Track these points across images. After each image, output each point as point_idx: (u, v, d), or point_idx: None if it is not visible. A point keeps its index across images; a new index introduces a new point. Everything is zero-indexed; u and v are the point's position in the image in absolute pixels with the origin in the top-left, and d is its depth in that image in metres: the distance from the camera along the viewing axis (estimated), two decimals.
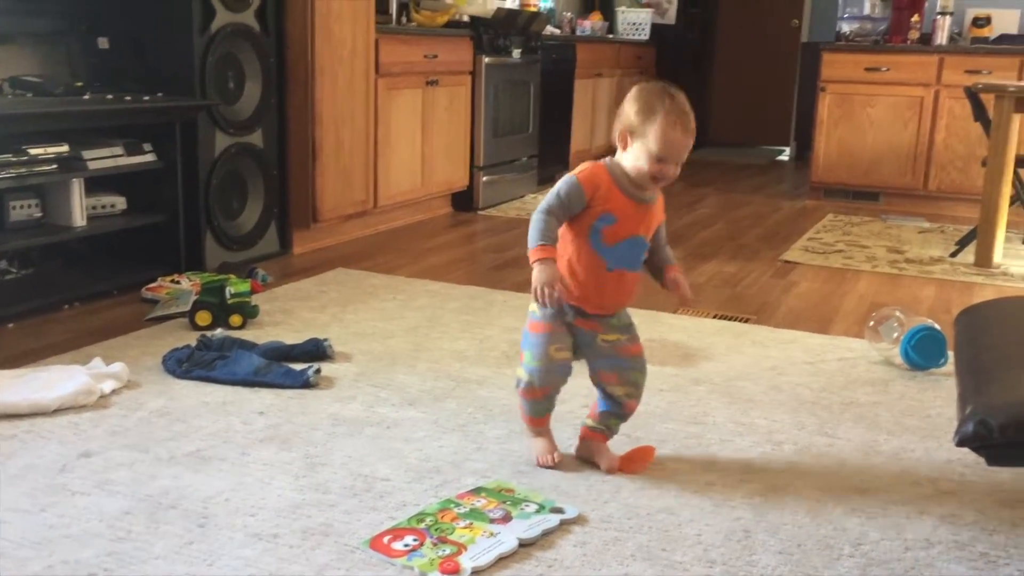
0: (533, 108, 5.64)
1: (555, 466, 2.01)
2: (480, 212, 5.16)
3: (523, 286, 3.56)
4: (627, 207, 1.90)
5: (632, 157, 1.89)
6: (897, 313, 2.84)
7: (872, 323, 2.87)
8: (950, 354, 2.65)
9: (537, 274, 1.85)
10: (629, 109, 1.90)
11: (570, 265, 1.93)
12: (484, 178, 5.20)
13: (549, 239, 1.87)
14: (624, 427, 2.24)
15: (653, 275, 2.05)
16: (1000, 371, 1.57)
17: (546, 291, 1.85)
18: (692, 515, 1.83)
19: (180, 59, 3.37)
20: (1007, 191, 4.13)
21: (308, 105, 3.89)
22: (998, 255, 4.18)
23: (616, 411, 2.03)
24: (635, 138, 1.88)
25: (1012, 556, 1.72)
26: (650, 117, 1.86)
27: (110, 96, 3.23)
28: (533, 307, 1.96)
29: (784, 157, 8.50)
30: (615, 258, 1.92)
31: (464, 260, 4.04)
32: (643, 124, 1.87)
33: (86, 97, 3.16)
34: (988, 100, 4.18)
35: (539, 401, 2.00)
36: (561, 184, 1.92)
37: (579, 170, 1.94)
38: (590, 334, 1.97)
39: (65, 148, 3.06)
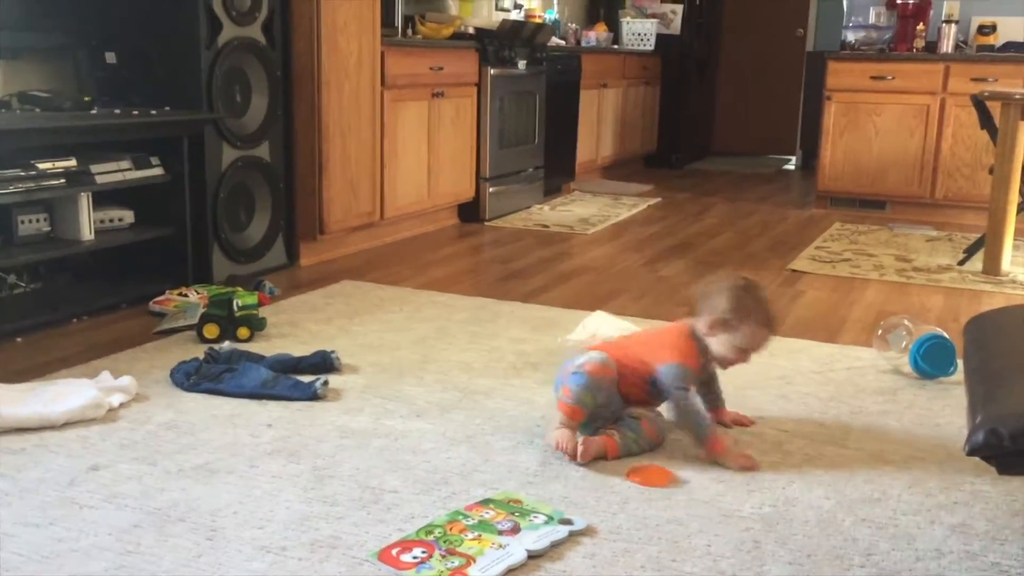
0: (539, 119, 5.64)
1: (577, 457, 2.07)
2: (487, 223, 5.16)
3: (530, 296, 3.57)
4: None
5: (720, 344, 2.15)
6: (905, 322, 2.83)
7: (880, 332, 2.86)
8: (959, 363, 2.64)
9: (729, 457, 2.09)
10: (722, 304, 2.13)
11: (634, 382, 2.18)
12: (490, 189, 5.21)
13: (707, 418, 2.15)
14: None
15: (705, 402, 2.28)
16: (1010, 379, 1.56)
17: (748, 463, 2.10)
18: (701, 526, 1.82)
19: (187, 73, 3.38)
20: (1015, 199, 4.12)
21: (314, 117, 3.90)
22: (1006, 263, 4.17)
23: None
24: (727, 331, 2.13)
25: None
26: (745, 320, 2.12)
27: (118, 111, 3.24)
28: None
29: (790, 166, 8.50)
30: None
31: (471, 271, 4.04)
32: (738, 323, 2.12)
33: (94, 112, 3.18)
34: (994, 108, 4.17)
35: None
36: (679, 377, 2.12)
37: (686, 357, 2.15)
38: None
39: (73, 163, 3.07)
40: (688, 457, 2.14)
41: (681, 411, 2.12)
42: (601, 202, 6.01)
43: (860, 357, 2.90)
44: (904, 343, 2.76)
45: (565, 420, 2.13)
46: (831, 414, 2.44)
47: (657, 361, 2.15)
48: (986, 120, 4.26)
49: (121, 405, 2.33)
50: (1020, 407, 1.42)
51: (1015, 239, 4.32)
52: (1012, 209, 4.11)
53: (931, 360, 2.68)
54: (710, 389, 2.32)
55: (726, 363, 2.19)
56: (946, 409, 2.48)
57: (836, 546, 1.76)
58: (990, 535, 1.82)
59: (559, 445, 2.09)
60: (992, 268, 4.14)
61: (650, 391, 2.19)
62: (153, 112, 3.28)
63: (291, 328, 3.05)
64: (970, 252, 4.40)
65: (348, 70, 4.03)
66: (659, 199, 6.21)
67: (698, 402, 2.14)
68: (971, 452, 1.41)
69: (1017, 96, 4.05)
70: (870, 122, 5.71)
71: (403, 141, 4.48)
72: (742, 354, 2.16)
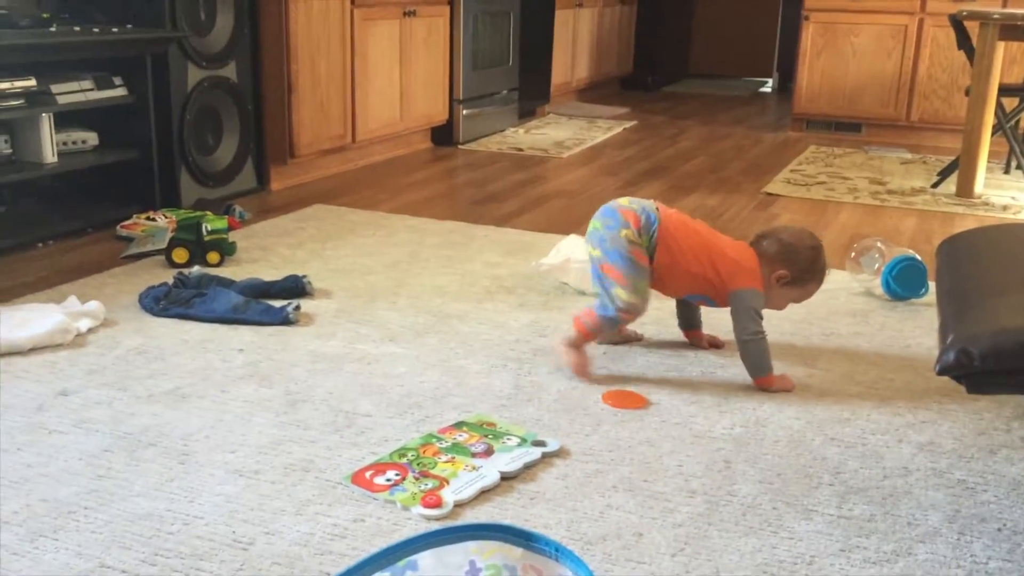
0: (513, 40, 5.54)
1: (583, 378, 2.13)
2: (460, 146, 5.10)
3: (504, 220, 3.54)
4: None
5: (780, 294, 2.19)
6: (878, 244, 2.84)
7: (853, 254, 2.87)
8: (931, 284, 2.66)
9: (780, 385, 2.13)
10: (801, 262, 2.17)
11: (688, 282, 2.18)
12: (464, 112, 5.13)
13: (770, 367, 2.13)
14: (609, 360, 2.25)
15: (682, 317, 2.38)
16: (981, 300, 1.57)
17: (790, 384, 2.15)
18: (673, 447, 1.84)
19: None
20: (990, 120, 4.10)
21: (282, 37, 3.80)
22: (979, 185, 4.18)
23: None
24: (794, 286, 2.17)
25: (989, 483, 1.74)
26: (812, 277, 2.19)
27: (77, 28, 3.14)
28: (627, 233, 2.11)
29: (767, 89, 8.44)
30: None
31: (445, 195, 4.00)
32: (805, 278, 2.18)
33: (53, 29, 3.07)
34: (972, 28, 4.13)
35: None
36: (756, 301, 2.14)
37: (762, 285, 2.16)
38: None
39: (32, 82, 2.98)
40: (660, 380, 2.15)
41: (755, 345, 2.11)
42: (576, 125, 5.95)
43: (833, 279, 2.90)
44: (877, 265, 2.77)
45: (578, 343, 2.16)
46: (803, 336, 2.45)
47: (735, 281, 2.13)
48: (963, 40, 4.22)
49: (89, 330, 2.31)
50: (991, 327, 1.42)
51: (989, 161, 4.32)
52: (987, 131, 4.11)
53: (903, 282, 2.69)
54: (692, 309, 2.32)
55: (777, 307, 2.23)
56: (917, 330, 2.50)
57: (805, 465, 1.78)
58: (956, 453, 1.85)
59: (583, 373, 2.13)
60: (965, 191, 4.15)
61: (701, 298, 2.22)
62: (114, 29, 3.17)
63: (262, 253, 3.02)
64: (944, 175, 4.40)
65: None
66: (634, 122, 6.15)
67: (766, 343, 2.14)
68: (942, 372, 1.41)
69: (995, 15, 4.00)
70: (847, 43, 5.65)
71: (374, 62, 4.39)
72: (790, 303, 2.23)
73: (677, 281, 2.17)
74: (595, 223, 2.16)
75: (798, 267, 2.16)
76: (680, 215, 2.20)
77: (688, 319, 2.35)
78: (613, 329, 2.22)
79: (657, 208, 2.15)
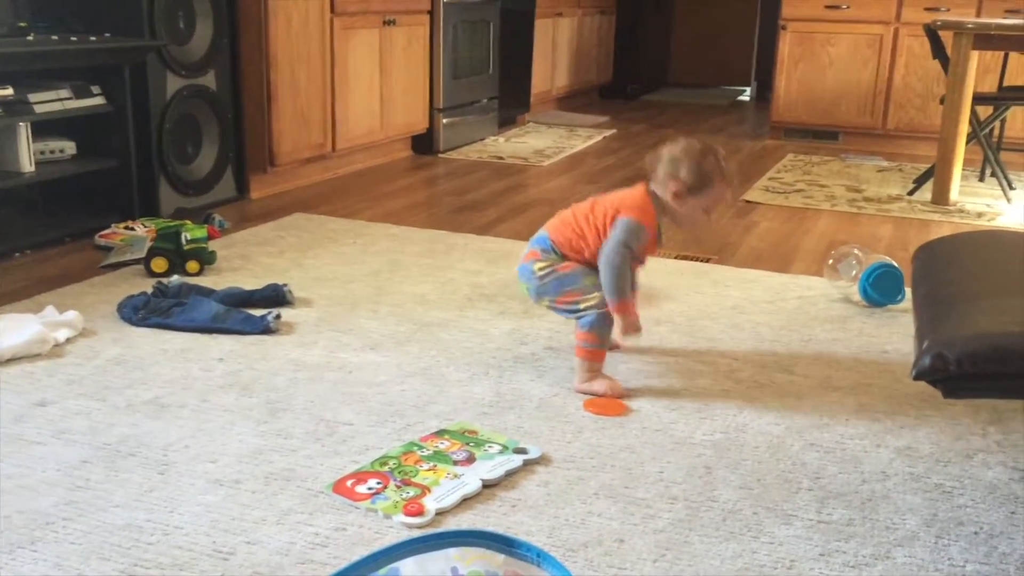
0: (493, 48, 5.55)
1: (624, 397, 2.09)
2: (441, 155, 5.10)
3: (484, 228, 3.54)
4: (654, 245, 2.19)
5: (688, 212, 2.14)
6: (855, 251, 2.86)
7: (831, 261, 2.89)
8: (907, 290, 2.68)
9: (625, 325, 2.12)
10: (682, 168, 2.10)
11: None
12: (444, 120, 5.14)
13: (627, 293, 2.11)
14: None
15: None
16: (957, 305, 1.58)
17: (632, 335, 2.16)
18: (654, 453, 1.85)
19: None
20: (964, 129, 4.15)
21: (262, 46, 3.80)
22: (954, 192, 4.22)
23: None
24: (692, 196, 2.11)
25: (966, 487, 1.76)
26: (710, 182, 2.10)
27: (55, 36, 3.12)
28: (542, 264, 2.17)
29: (745, 97, 8.49)
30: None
31: (425, 203, 4.00)
32: (702, 187, 2.10)
33: (30, 38, 3.06)
34: (947, 37, 4.18)
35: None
36: (630, 232, 2.10)
37: (642, 214, 2.12)
38: None
39: (10, 91, 2.96)
40: (641, 387, 2.16)
41: (615, 267, 2.07)
42: (556, 133, 5.96)
43: (811, 286, 2.94)
44: (854, 272, 2.79)
45: (593, 370, 2.13)
46: (782, 342, 2.47)
47: (618, 215, 2.12)
48: (938, 50, 4.27)
49: (67, 340, 2.29)
50: (966, 332, 1.44)
51: (964, 169, 4.37)
52: (961, 139, 4.15)
53: (880, 288, 2.72)
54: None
55: (695, 226, 2.19)
56: (894, 336, 2.53)
57: (785, 470, 1.80)
58: (934, 457, 1.86)
59: (608, 394, 2.10)
60: (941, 198, 4.20)
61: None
62: (92, 38, 3.16)
63: (242, 262, 3.01)
64: (920, 182, 4.45)
65: None
66: (614, 130, 6.17)
67: (625, 275, 2.09)
68: (918, 376, 1.43)
69: (969, 25, 4.05)
70: (824, 52, 5.70)
71: (354, 70, 4.39)
72: (707, 214, 2.16)
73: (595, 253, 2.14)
74: (522, 287, 2.23)
75: (688, 173, 2.09)
76: (568, 208, 2.24)
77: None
78: (609, 329, 2.15)
79: (543, 226, 2.22)
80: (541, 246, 2.18)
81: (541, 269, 2.15)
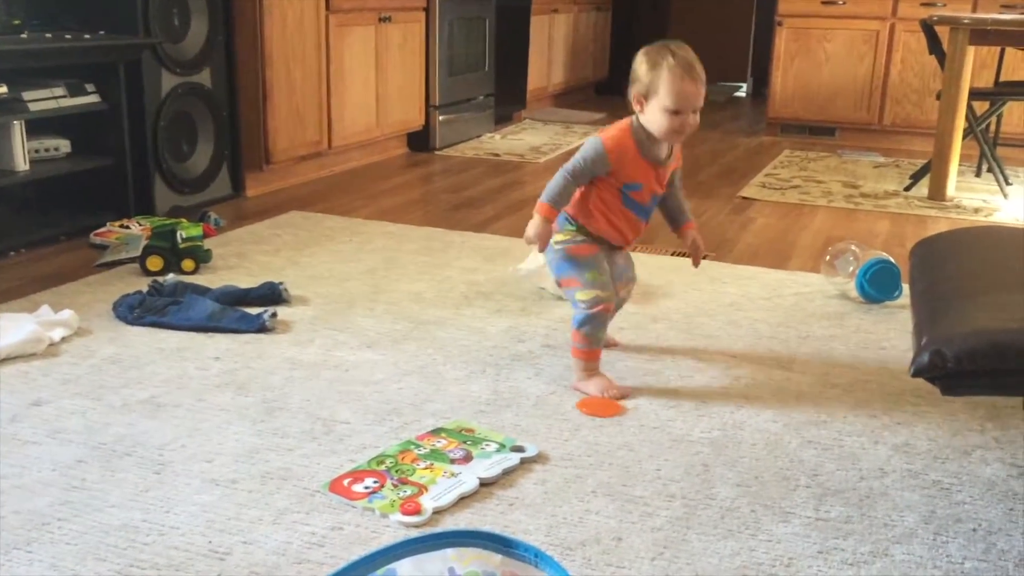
0: (489, 45, 5.54)
1: (623, 398, 2.07)
2: (437, 152, 5.09)
3: (481, 226, 3.54)
4: (649, 173, 2.08)
5: (651, 117, 2.01)
6: (853, 247, 2.86)
7: (828, 257, 2.89)
8: (905, 287, 2.68)
9: (534, 226, 2.04)
10: (638, 70, 2.01)
11: (605, 215, 2.10)
12: (440, 117, 5.13)
13: (559, 203, 2.06)
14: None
15: (667, 219, 2.25)
16: (954, 302, 1.58)
17: (536, 244, 2.06)
18: (652, 451, 1.84)
19: None
20: (960, 124, 4.15)
21: (257, 43, 3.79)
22: (951, 188, 4.22)
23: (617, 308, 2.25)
24: (649, 98, 2.00)
25: (964, 483, 1.75)
26: (658, 74, 1.98)
27: (49, 35, 3.11)
28: (560, 236, 2.11)
29: (741, 93, 8.49)
30: (644, 212, 2.14)
31: (421, 201, 4.00)
32: (653, 82, 1.98)
33: (24, 36, 3.05)
34: (943, 32, 4.18)
35: (608, 315, 2.13)
36: (588, 149, 2.05)
37: (607, 135, 2.06)
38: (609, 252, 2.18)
39: (4, 89, 2.94)
40: (638, 384, 2.15)
41: (559, 173, 2.06)
42: (552, 130, 5.96)
43: (808, 283, 2.93)
44: (851, 268, 2.79)
45: (587, 370, 2.11)
46: (779, 339, 2.46)
47: None
48: (934, 45, 4.26)
49: (63, 340, 2.28)
50: (964, 328, 1.44)
51: (960, 164, 4.37)
52: (958, 135, 4.15)
53: (877, 284, 2.71)
54: (671, 204, 2.21)
55: (669, 134, 2.02)
56: (891, 332, 2.53)
57: (783, 467, 1.79)
58: (931, 454, 1.86)
59: (599, 395, 2.07)
60: (937, 193, 4.20)
61: (623, 200, 2.09)
62: (87, 36, 3.15)
63: (238, 260, 3.00)
64: (916, 178, 4.45)
65: None
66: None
67: (568, 187, 2.07)
68: (916, 373, 1.43)
69: (965, 20, 4.05)
70: (820, 48, 5.70)
71: (350, 68, 4.37)
72: (675, 117, 1.98)
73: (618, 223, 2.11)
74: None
75: (639, 80, 2.00)
76: None
77: (677, 217, 2.24)
78: (600, 329, 2.11)
79: None
80: (559, 219, 2.12)
81: (556, 243, 2.12)
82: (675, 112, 1.98)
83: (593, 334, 2.10)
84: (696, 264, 2.25)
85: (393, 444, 1.82)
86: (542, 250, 2.08)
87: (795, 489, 1.72)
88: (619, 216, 2.11)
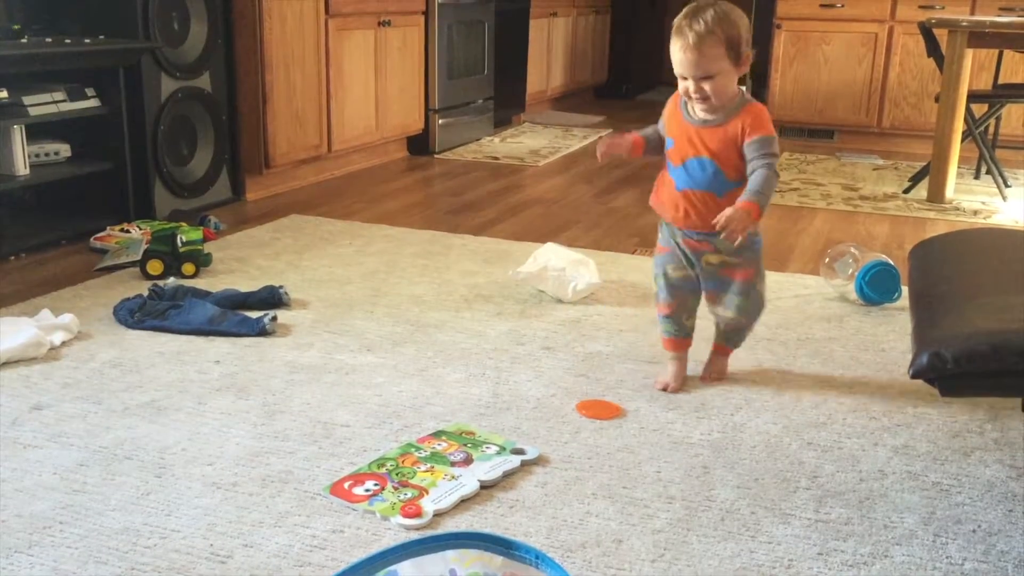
0: (488, 49, 5.55)
1: (664, 390, 2.12)
2: (436, 156, 5.10)
3: (480, 229, 3.54)
4: (682, 130, 2.01)
5: (680, 88, 1.99)
6: (852, 249, 2.86)
7: (827, 260, 2.89)
8: (904, 289, 2.68)
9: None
10: None
11: (659, 181, 2.09)
12: (440, 121, 5.13)
13: (643, 131, 2.11)
14: (588, 368, 2.25)
15: None
16: (953, 303, 1.58)
17: (598, 146, 2.09)
18: (652, 453, 1.84)
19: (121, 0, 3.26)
20: (959, 127, 4.16)
21: (257, 47, 3.80)
22: (950, 190, 4.23)
23: (721, 328, 2.18)
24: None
25: (964, 485, 1.76)
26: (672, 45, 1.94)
27: (49, 39, 3.12)
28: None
29: None
30: (681, 179, 2.03)
31: (421, 204, 4.00)
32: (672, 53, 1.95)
33: (24, 40, 3.05)
34: (941, 35, 4.19)
35: (666, 318, 2.15)
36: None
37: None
38: (696, 255, 2.08)
39: (4, 94, 2.95)
40: (639, 387, 2.15)
41: None
42: (552, 133, 5.96)
43: (807, 285, 2.94)
44: (850, 270, 2.79)
45: (666, 354, 2.16)
46: (779, 341, 2.47)
47: None
48: (933, 48, 4.27)
49: (63, 344, 2.29)
50: (963, 330, 1.44)
51: (959, 167, 4.38)
52: (957, 137, 4.16)
53: (876, 287, 2.72)
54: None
55: (686, 97, 1.99)
56: (890, 334, 2.53)
57: (783, 469, 1.80)
58: (931, 455, 1.86)
59: (655, 385, 2.12)
60: (936, 196, 4.20)
61: (670, 176, 2.07)
62: (87, 41, 3.16)
63: (238, 264, 3.00)
64: (915, 180, 4.45)
65: None
66: (610, 130, 6.17)
67: (651, 126, 2.11)
68: (915, 375, 1.43)
69: (963, 23, 4.06)
70: (819, 51, 5.71)
71: (349, 71, 4.38)
72: (683, 81, 1.95)
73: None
74: None
75: None
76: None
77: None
78: (664, 322, 2.16)
79: None
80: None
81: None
82: (681, 78, 1.95)
83: (660, 327, 2.18)
84: (720, 229, 1.91)
85: (393, 447, 1.83)
86: (600, 153, 2.10)
87: (795, 491, 1.72)
88: (663, 181, 2.08)
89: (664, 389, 2.13)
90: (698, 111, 1.99)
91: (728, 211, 1.89)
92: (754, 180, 1.93)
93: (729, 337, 2.19)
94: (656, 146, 2.10)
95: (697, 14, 1.91)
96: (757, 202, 1.90)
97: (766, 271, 2.14)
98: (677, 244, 2.09)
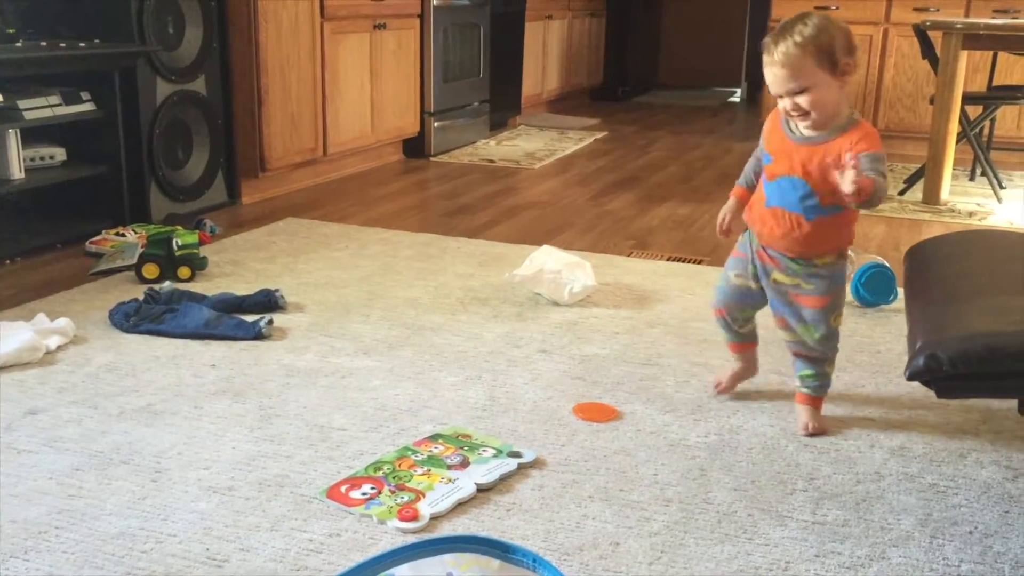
0: (483, 52, 5.55)
1: (716, 387, 2.13)
2: (432, 158, 5.10)
3: (476, 232, 3.54)
4: (783, 146, 1.89)
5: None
6: (847, 251, 2.86)
7: None
8: (900, 291, 2.69)
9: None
10: None
11: (753, 198, 2.01)
12: (435, 124, 5.13)
13: (743, 179, 2.04)
14: (585, 371, 2.25)
15: None
16: (949, 305, 1.59)
17: (718, 221, 2.04)
18: (648, 456, 1.84)
19: (116, 3, 3.25)
20: (954, 128, 4.17)
21: (252, 50, 3.79)
22: (945, 192, 4.24)
23: (794, 363, 2.02)
24: None
25: (960, 486, 1.76)
26: None
27: (44, 43, 3.12)
28: None
29: (736, 99, 8.51)
30: (773, 195, 1.92)
31: (417, 207, 4.00)
32: None
33: (19, 44, 3.05)
34: (936, 37, 4.20)
35: (718, 320, 2.10)
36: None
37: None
38: (766, 269, 1.97)
39: None
40: (635, 390, 2.15)
41: None
42: (547, 136, 5.97)
43: None
44: (846, 272, 2.79)
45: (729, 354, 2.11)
46: (775, 343, 2.46)
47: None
48: (927, 50, 4.28)
49: (59, 348, 2.28)
50: (959, 332, 1.44)
51: (954, 168, 4.38)
52: (952, 139, 4.17)
53: (872, 288, 2.72)
54: None
55: (791, 119, 1.89)
56: (887, 336, 2.53)
57: (779, 471, 1.80)
58: (927, 457, 1.87)
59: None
60: (932, 197, 4.21)
61: (763, 191, 1.96)
62: (82, 44, 3.15)
63: (234, 267, 3.00)
64: (910, 182, 4.46)
65: (286, 0, 3.91)
66: (605, 133, 6.18)
67: (750, 162, 2.03)
68: (911, 377, 1.43)
69: (958, 25, 4.07)
70: None
71: (345, 75, 4.38)
72: (780, 101, 1.87)
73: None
74: None
75: None
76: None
77: None
78: (720, 326, 2.11)
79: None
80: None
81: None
82: (777, 95, 1.85)
83: (721, 330, 2.12)
84: (844, 173, 1.73)
85: (390, 450, 1.82)
86: (721, 231, 2.04)
87: (792, 493, 1.72)
88: (758, 196, 1.97)
89: (716, 387, 2.13)
90: (802, 128, 1.88)
91: (851, 175, 1.71)
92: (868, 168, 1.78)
93: (804, 379, 1.99)
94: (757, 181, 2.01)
95: (784, 29, 1.82)
96: (874, 181, 1.73)
97: None
98: (752, 252, 1.98)
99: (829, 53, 1.80)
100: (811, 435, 1.95)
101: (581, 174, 4.80)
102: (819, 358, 1.98)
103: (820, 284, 1.93)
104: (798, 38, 1.79)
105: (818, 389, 1.99)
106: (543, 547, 1.53)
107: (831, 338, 1.97)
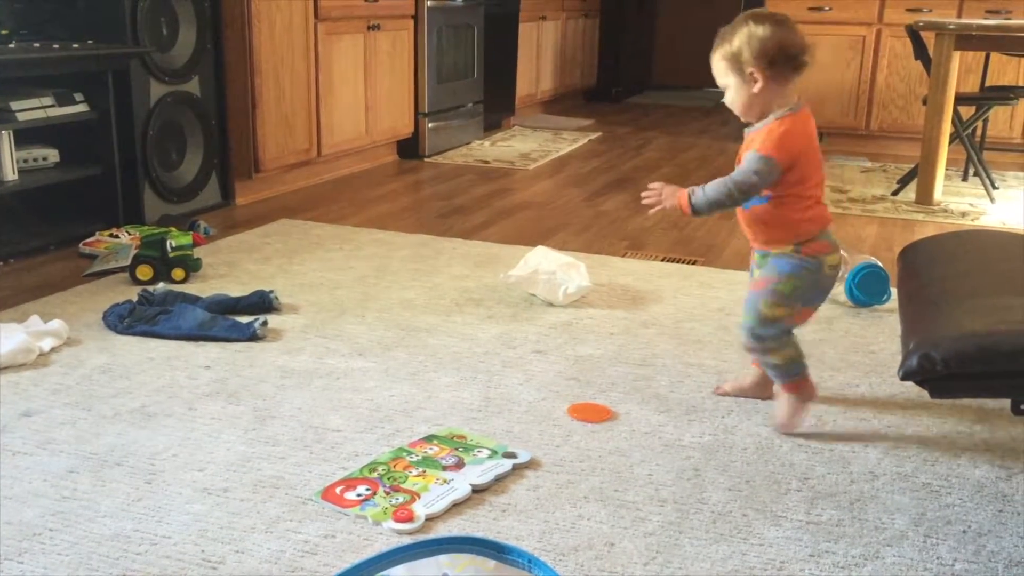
0: (477, 53, 5.55)
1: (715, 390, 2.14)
2: (426, 159, 5.10)
3: (471, 233, 3.54)
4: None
5: None
6: (841, 252, 2.86)
7: None
8: (893, 291, 2.70)
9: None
10: None
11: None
12: (429, 125, 5.13)
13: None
14: (576, 371, 2.25)
15: None
16: (942, 305, 1.59)
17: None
18: (643, 456, 1.85)
19: (110, 4, 3.25)
20: (947, 129, 4.18)
21: (246, 51, 3.79)
22: (938, 192, 4.25)
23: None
24: None
25: (953, 485, 1.76)
26: None
27: (37, 44, 3.11)
28: None
29: None
30: None
31: (411, 208, 4.00)
32: None
33: (12, 46, 3.04)
34: (928, 38, 4.21)
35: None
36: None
37: None
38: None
39: None
40: (630, 390, 2.16)
41: None
42: (541, 137, 5.97)
43: None
44: (840, 272, 2.80)
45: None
46: None
47: None
48: (920, 50, 4.29)
49: (52, 350, 2.28)
50: (952, 332, 1.45)
51: (947, 169, 4.40)
52: (944, 139, 4.18)
53: (866, 289, 2.73)
54: None
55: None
56: (880, 336, 2.54)
57: (774, 471, 1.80)
58: (921, 457, 1.87)
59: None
60: (925, 198, 4.22)
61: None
62: (75, 45, 3.15)
63: (228, 268, 3.00)
64: (903, 182, 4.47)
65: (279, 1, 3.90)
66: (599, 133, 6.18)
67: None
68: (905, 377, 1.44)
69: (950, 26, 4.08)
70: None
71: (339, 76, 4.38)
72: None
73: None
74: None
75: None
76: None
77: None
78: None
79: None
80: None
81: None
82: None
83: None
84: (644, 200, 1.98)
85: (385, 451, 1.82)
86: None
87: (786, 493, 1.72)
88: None
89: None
90: (754, 122, 2.02)
91: (664, 185, 1.97)
92: (712, 182, 1.93)
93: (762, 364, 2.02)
94: None
95: (720, 33, 1.97)
96: (689, 194, 1.92)
97: None
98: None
99: (736, 62, 1.94)
100: (784, 432, 1.95)
101: (575, 175, 4.80)
102: (750, 348, 1.98)
103: (767, 270, 1.97)
104: (718, 44, 1.96)
105: (778, 377, 1.97)
106: (538, 547, 1.53)
107: (758, 327, 1.93)
